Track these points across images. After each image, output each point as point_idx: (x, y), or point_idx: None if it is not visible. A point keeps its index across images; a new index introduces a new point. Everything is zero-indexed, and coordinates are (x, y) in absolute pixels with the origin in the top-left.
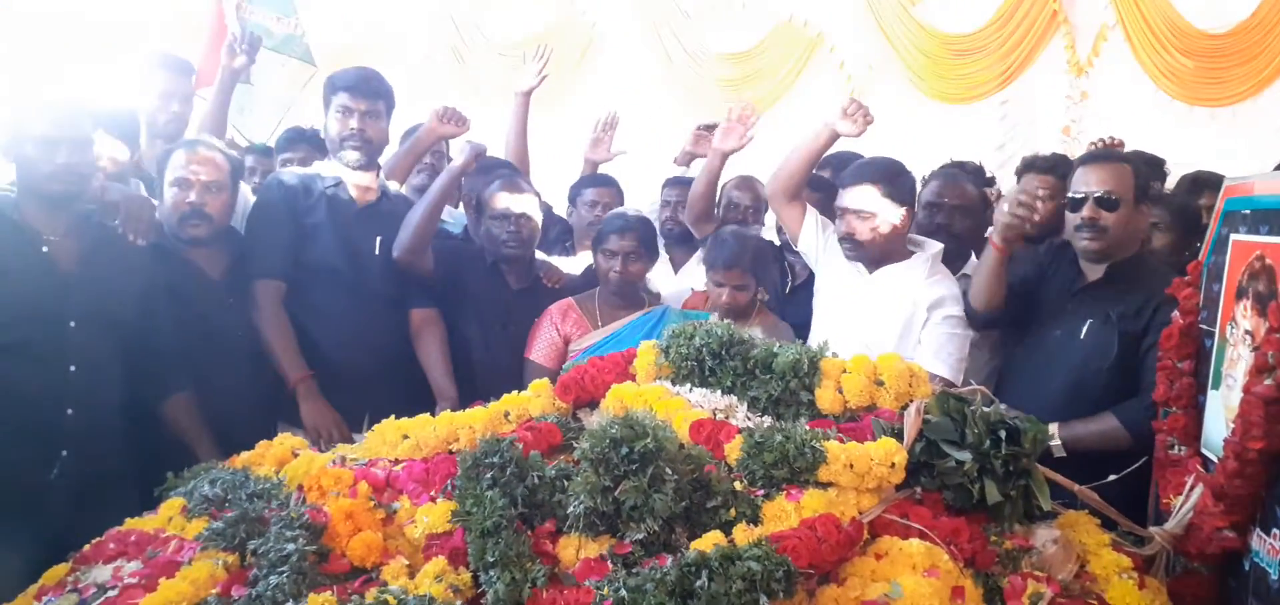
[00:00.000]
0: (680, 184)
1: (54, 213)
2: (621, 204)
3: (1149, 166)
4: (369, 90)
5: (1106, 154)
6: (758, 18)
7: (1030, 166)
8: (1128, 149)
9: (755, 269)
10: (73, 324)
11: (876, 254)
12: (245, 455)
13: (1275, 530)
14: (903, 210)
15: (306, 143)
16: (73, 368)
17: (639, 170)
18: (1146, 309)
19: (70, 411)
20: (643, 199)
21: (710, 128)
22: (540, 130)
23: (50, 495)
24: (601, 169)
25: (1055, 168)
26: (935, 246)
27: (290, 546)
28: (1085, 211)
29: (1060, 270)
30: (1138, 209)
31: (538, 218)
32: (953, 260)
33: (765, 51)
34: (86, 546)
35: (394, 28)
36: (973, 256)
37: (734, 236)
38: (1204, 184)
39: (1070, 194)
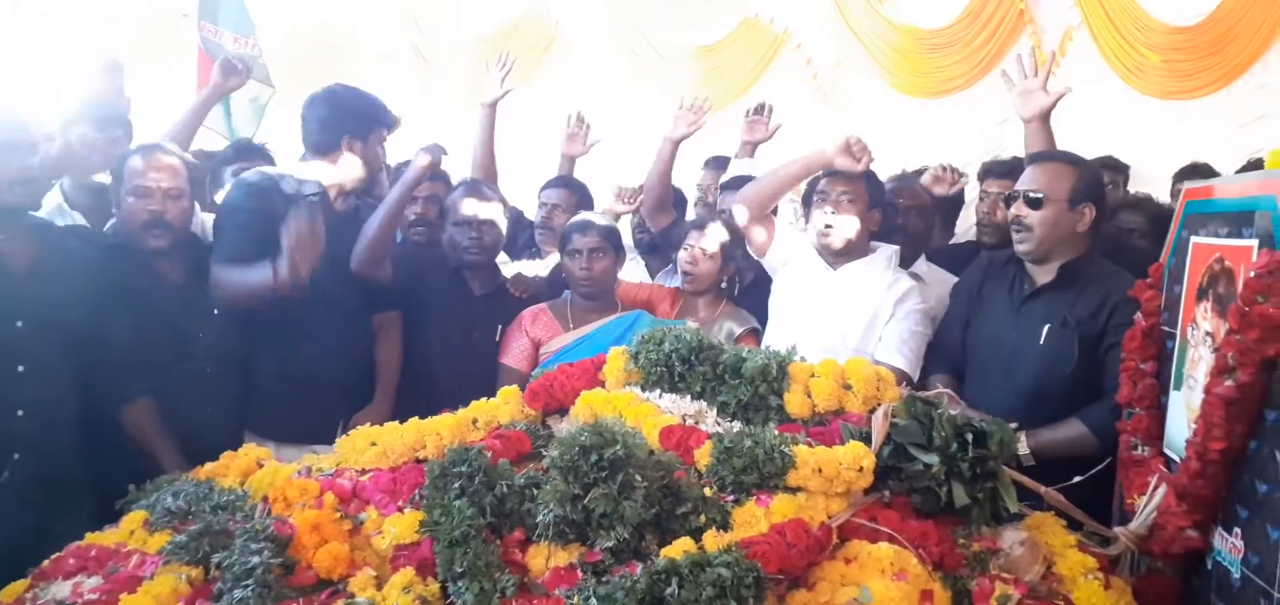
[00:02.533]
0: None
1: (4, 215)
2: (582, 205)
3: (1109, 169)
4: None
5: (1048, 154)
6: (723, 13)
7: (990, 171)
8: (1097, 150)
9: (728, 248)
10: (20, 324)
11: (841, 251)
12: (209, 466)
13: (1237, 529)
14: (871, 213)
15: (255, 156)
16: (21, 368)
17: (604, 163)
18: (1103, 311)
19: (21, 413)
20: (608, 190)
21: (761, 112)
22: (504, 128)
23: (1, 499)
24: (579, 163)
25: (1014, 171)
26: (892, 248)
27: (255, 559)
28: (1014, 209)
29: (1007, 273)
30: (1075, 210)
31: (502, 225)
32: (906, 261)
33: (731, 46)
34: (45, 562)
35: (354, 24)
36: (923, 258)
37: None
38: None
39: (1009, 192)
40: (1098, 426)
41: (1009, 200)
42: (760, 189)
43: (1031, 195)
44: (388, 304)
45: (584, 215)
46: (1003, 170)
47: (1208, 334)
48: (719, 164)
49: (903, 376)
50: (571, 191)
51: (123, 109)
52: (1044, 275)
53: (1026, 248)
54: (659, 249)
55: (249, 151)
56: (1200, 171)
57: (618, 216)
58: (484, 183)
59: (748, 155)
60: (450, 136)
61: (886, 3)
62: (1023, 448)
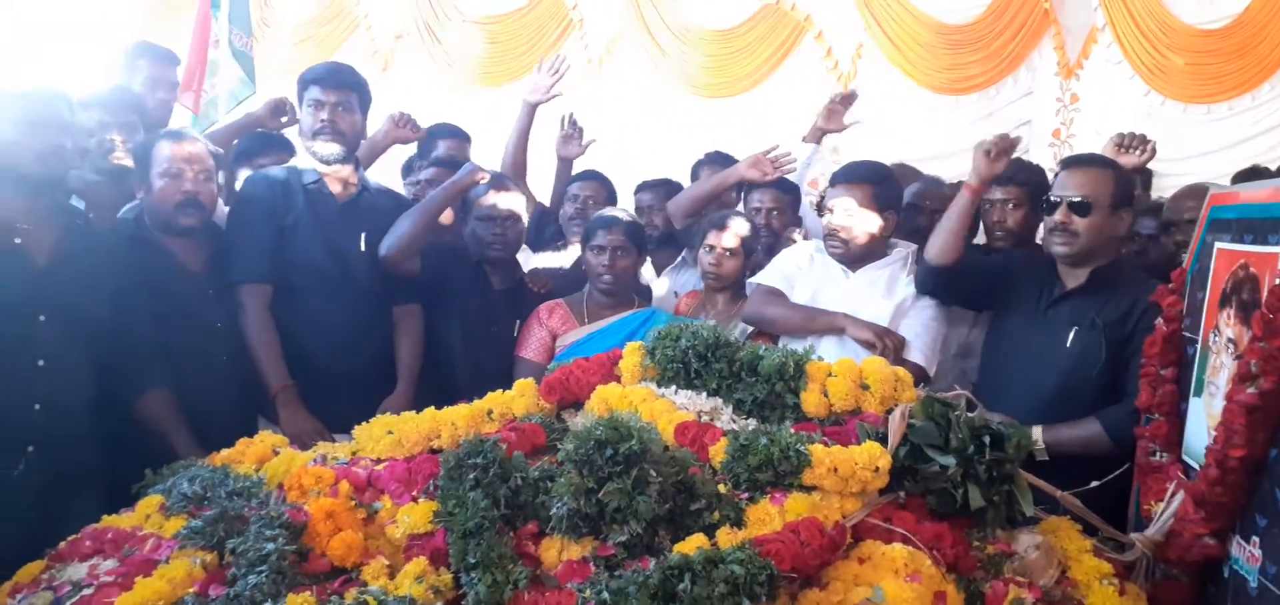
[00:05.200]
0: (654, 187)
1: (28, 204)
2: (610, 198)
3: (1136, 173)
4: (339, 81)
5: (1087, 158)
6: None
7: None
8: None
9: (749, 242)
10: (43, 318)
11: (858, 254)
12: (225, 453)
13: (1255, 538)
14: (883, 217)
15: (277, 148)
16: (41, 362)
17: (621, 145)
18: (1131, 316)
19: (37, 407)
20: (626, 179)
21: (846, 100)
22: (515, 114)
23: (15, 492)
24: (577, 160)
25: (1015, 176)
26: (909, 247)
27: (269, 546)
28: (1058, 215)
29: (1037, 275)
30: (1115, 215)
31: (525, 219)
32: None
33: (749, 31)
34: (62, 544)
35: (364, 4)
36: None
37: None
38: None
39: (1047, 197)
40: (1114, 429)
41: (1048, 207)
42: (681, 204)
43: (1081, 202)
44: (408, 296)
45: (609, 211)
46: (1006, 176)
47: (1230, 340)
48: (717, 160)
49: (920, 373)
50: (602, 184)
51: (137, 95)
52: (1074, 279)
53: (1069, 251)
54: (669, 244)
55: (270, 141)
56: (1260, 175)
57: (821, 136)
58: (507, 178)
59: (815, 140)
60: (461, 117)
61: None
62: (1038, 442)
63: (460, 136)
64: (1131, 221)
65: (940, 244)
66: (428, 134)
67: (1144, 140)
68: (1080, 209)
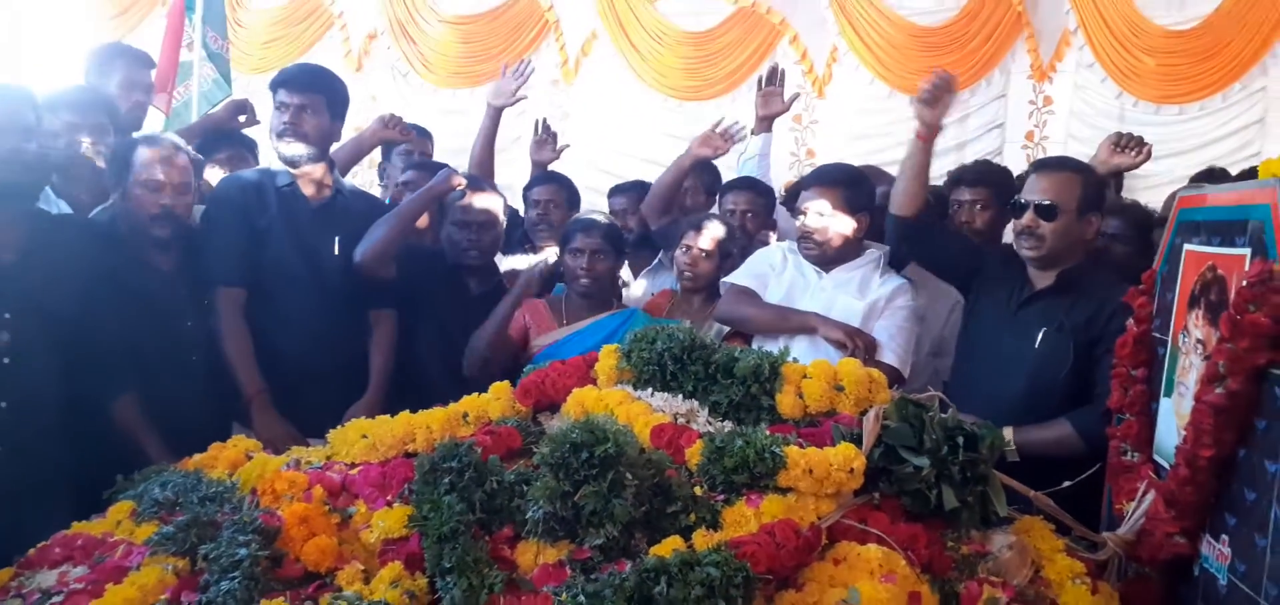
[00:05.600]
0: (628, 191)
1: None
2: (572, 201)
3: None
4: (304, 84)
5: (1055, 161)
6: (719, 0)
7: (959, 179)
8: (1090, 153)
9: (725, 245)
10: (8, 314)
11: (831, 256)
12: (198, 458)
13: (1224, 536)
14: (855, 219)
15: (232, 143)
16: (6, 360)
17: (597, 148)
18: (1099, 318)
19: (4, 405)
20: (598, 181)
21: (774, 81)
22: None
23: None
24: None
25: (983, 177)
26: (882, 248)
27: (243, 551)
28: (1025, 219)
29: (1009, 274)
30: (1083, 219)
31: (501, 223)
32: (898, 263)
33: (726, 34)
34: (31, 551)
35: (335, 1)
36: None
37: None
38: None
39: (1016, 199)
40: (1085, 430)
41: (1016, 210)
42: (652, 204)
43: (1047, 206)
44: (383, 300)
45: (588, 214)
46: (973, 177)
47: (1199, 341)
48: (627, 191)
49: (894, 375)
50: (562, 187)
51: (108, 96)
52: (1043, 280)
53: (1036, 254)
54: (645, 246)
55: (229, 138)
56: (1216, 177)
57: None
58: (484, 181)
59: (765, 130)
60: (435, 118)
61: None
62: (1009, 442)
63: (421, 134)
64: (1099, 225)
65: (900, 192)
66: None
67: (1140, 142)
68: (1046, 213)
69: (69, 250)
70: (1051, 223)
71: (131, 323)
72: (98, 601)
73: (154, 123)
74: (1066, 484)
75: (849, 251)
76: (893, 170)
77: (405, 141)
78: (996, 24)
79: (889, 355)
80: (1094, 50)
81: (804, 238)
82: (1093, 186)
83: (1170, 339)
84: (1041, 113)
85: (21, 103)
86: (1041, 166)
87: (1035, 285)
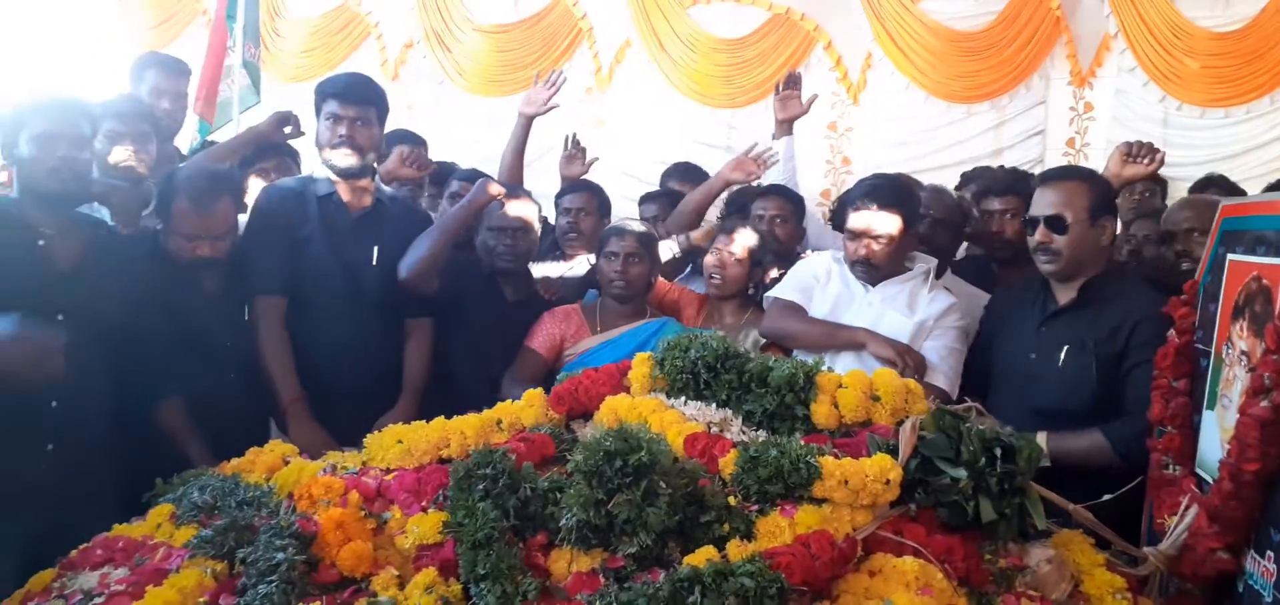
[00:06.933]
0: (658, 198)
1: (52, 209)
2: (603, 209)
3: (1148, 180)
4: (358, 96)
5: (1059, 172)
6: (753, 7)
7: (988, 190)
8: None
9: (756, 253)
10: (61, 317)
11: (879, 269)
12: (236, 462)
13: (1269, 552)
14: (906, 232)
15: (277, 152)
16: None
17: (630, 155)
18: (1123, 330)
19: (55, 404)
20: (631, 190)
21: (793, 85)
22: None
23: (37, 492)
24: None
25: (1013, 186)
26: (930, 261)
27: (279, 556)
28: (1037, 235)
29: (1031, 294)
30: (1096, 225)
31: (537, 230)
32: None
33: (759, 41)
34: (73, 552)
35: (375, 9)
36: (948, 272)
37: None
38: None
39: (1027, 216)
40: (1117, 442)
41: (1029, 226)
42: (677, 219)
43: (1052, 217)
44: (420, 308)
45: (622, 220)
46: (1002, 187)
47: (1243, 353)
48: (684, 172)
49: (943, 397)
50: (593, 195)
51: (148, 105)
52: (1066, 294)
53: (1053, 268)
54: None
55: (275, 149)
56: (1216, 184)
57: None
58: (520, 188)
59: (786, 133)
60: (470, 126)
61: (920, 1)
62: (1043, 449)
63: (415, 141)
64: (1115, 229)
65: None
66: (433, 169)
67: (1152, 149)
68: (1056, 225)
69: (120, 261)
70: (1063, 234)
71: (178, 331)
72: (138, 603)
73: (192, 128)
74: (1107, 497)
75: (897, 265)
76: (928, 178)
77: (424, 175)
78: (1035, 29)
79: (939, 378)
80: (1135, 54)
81: (858, 254)
82: (1100, 191)
83: (1213, 351)
84: (1082, 119)
85: (78, 113)
86: (1046, 179)
87: (1059, 301)
